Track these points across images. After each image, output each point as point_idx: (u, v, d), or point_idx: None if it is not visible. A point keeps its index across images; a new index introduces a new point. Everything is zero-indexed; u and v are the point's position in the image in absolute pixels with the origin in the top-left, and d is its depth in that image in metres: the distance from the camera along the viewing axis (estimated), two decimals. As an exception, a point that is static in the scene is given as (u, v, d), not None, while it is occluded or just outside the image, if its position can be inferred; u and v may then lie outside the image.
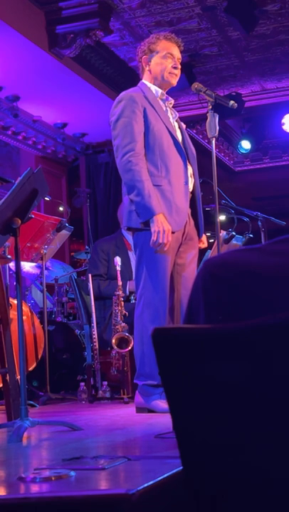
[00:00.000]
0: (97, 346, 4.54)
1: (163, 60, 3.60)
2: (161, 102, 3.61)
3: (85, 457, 1.91)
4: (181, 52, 3.68)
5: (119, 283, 4.47)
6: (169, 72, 3.61)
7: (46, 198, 5.39)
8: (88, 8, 6.13)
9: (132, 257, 4.83)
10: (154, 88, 3.62)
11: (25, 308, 4.81)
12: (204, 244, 3.73)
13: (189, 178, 3.55)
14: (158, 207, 3.36)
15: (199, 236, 3.64)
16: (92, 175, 8.94)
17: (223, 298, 1.26)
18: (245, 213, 5.13)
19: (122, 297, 4.48)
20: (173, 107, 3.76)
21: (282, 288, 1.21)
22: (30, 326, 4.79)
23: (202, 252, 4.03)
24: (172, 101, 3.69)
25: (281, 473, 1.10)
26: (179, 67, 3.66)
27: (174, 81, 3.67)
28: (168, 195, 3.44)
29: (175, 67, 3.63)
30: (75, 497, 1.45)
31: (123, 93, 3.58)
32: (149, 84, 3.63)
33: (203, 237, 3.72)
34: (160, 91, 3.62)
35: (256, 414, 1.12)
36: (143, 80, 3.67)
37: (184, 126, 3.73)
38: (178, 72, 3.65)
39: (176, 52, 3.64)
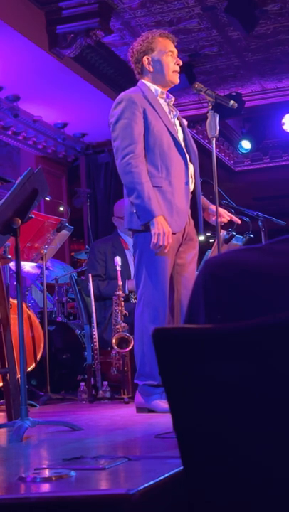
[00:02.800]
0: (97, 346, 4.54)
1: (165, 58, 3.60)
2: (161, 101, 3.60)
3: (85, 457, 1.91)
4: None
5: (120, 283, 4.47)
6: (173, 71, 3.61)
7: (46, 198, 5.39)
8: (88, 8, 6.13)
9: (130, 256, 4.84)
10: (153, 87, 3.61)
11: (23, 308, 4.80)
12: (225, 218, 3.68)
13: (190, 178, 3.55)
14: (158, 209, 3.35)
15: (198, 235, 3.63)
16: (93, 175, 8.94)
17: (224, 298, 1.26)
18: (246, 213, 5.13)
19: (123, 297, 4.48)
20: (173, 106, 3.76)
21: (282, 288, 1.21)
22: (29, 327, 4.79)
23: (202, 251, 4.03)
24: (173, 99, 3.68)
25: (281, 472, 1.10)
26: (181, 63, 3.66)
27: (178, 79, 3.67)
28: (168, 196, 3.43)
29: (178, 64, 3.63)
30: (76, 497, 1.45)
31: (122, 94, 3.57)
32: (148, 84, 3.62)
33: (222, 211, 3.67)
34: (160, 90, 3.61)
35: (256, 414, 1.12)
36: (142, 80, 3.66)
37: (185, 123, 3.72)
38: (178, 69, 3.67)
39: (174, 49, 3.65)
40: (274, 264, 1.24)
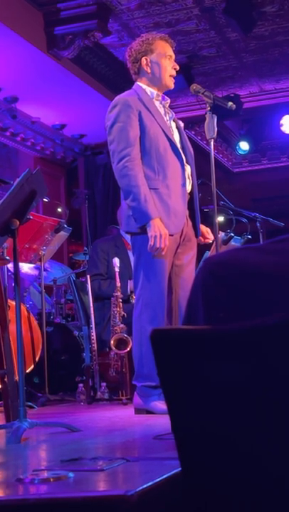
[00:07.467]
0: (95, 347, 4.54)
1: (164, 61, 3.60)
2: (157, 103, 3.60)
3: (83, 458, 1.91)
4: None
5: (118, 284, 4.47)
6: (170, 75, 3.62)
7: (45, 199, 5.39)
8: (87, 10, 6.13)
9: (132, 257, 4.83)
10: (149, 90, 3.61)
11: (21, 309, 4.79)
12: (209, 238, 3.71)
13: (187, 179, 3.55)
14: (154, 211, 3.36)
15: (197, 236, 3.64)
16: (91, 176, 8.93)
17: (223, 296, 1.26)
18: (244, 214, 5.14)
19: (121, 298, 4.48)
20: (172, 108, 3.76)
21: (281, 287, 1.21)
22: (27, 327, 4.78)
23: (201, 252, 4.03)
24: (168, 100, 3.68)
25: (281, 473, 1.10)
26: (178, 68, 3.67)
27: (173, 85, 3.68)
28: (165, 198, 3.44)
29: (174, 69, 3.64)
30: (74, 498, 1.44)
31: (117, 97, 3.58)
32: (144, 86, 3.62)
33: (205, 230, 3.69)
34: (155, 92, 3.62)
35: (256, 415, 1.11)
36: (138, 82, 3.66)
37: (181, 124, 3.73)
38: (175, 73, 3.67)
39: (173, 54, 3.66)
40: (273, 262, 1.24)
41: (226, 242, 4.73)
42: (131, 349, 3.95)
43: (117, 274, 4.49)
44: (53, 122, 8.04)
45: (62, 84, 7.02)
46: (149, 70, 3.61)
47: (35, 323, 4.89)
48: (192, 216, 3.61)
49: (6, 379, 3.07)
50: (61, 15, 6.26)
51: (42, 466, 2.00)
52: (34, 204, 2.84)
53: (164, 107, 3.63)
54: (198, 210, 3.64)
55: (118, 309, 4.45)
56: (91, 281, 4.69)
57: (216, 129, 3.62)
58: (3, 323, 3.14)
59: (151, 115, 3.52)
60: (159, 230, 3.32)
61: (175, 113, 3.80)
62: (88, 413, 3.87)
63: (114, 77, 7.44)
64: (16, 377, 2.96)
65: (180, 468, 1.22)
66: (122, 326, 4.37)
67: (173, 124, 3.65)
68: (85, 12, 6.15)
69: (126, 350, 4.29)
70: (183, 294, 3.51)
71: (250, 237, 5.08)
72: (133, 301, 4.65)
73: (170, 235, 3.40)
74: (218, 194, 3.96)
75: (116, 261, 4.48)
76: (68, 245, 8.89)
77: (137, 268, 3.50)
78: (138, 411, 3.47)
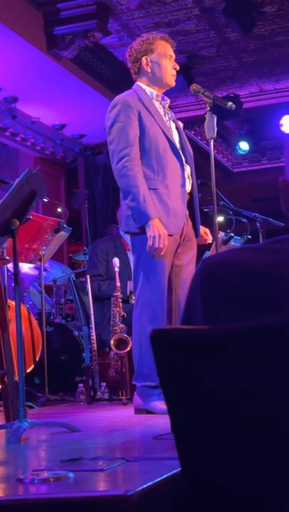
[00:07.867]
0: (95, 347, 4.54)
1: (164, 61, 3.60)
2: (156, 104, 3.60)
3: (83, 458, 1.91)
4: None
5: (118, 284, 4.48)
6: (171, 75, 3.62)
7: (45, 199, 5.39)
8: (86, 10, 6.14)
9: (131, 256, 4.84)
10: (148, 90, 3.61)
11: (22, 309, 4.79)
12: (208, 239, 3.73)
13: (186, 179, 3.55)
14: (153, 211, 3.36)
15: (196, 236, 3.64)
16: (91, 176, 8.94)
17: (221, 296, 1.25)
18: (244, 214, 5.14)
19: (121, 298, 4.48)
20: (171, 108, 3.76)
21: (280, 287, 1.21)
22: (28, 327, 4.78)
23: (201, 253, 4.03)
24: (168, 101, 3.69)
25: (281, 473, 1.10)
26: (178, 68, 3.67)
27: (174, 82, 3.68)
28: (165, 198, 3.44)
29: (175, 69, 3.64)
30: (74, 498, 1.44)
31: (117, 97, 3.58)
32: (144, 87, 3.62)
33: (204, 231, 3.70)
34: (155, 93, 3.62)
35: (256, 416, 1.11)
36: (138, 82, 3.66)
37: (181, 125, 3.73)
38: (175, 73, 3.68)
39: (173, 53, 3.66)
40: (273, 262, 1.23)
41: (225, 242, 4.73)
42: (131, 349, 3.95)
43: (116, 274, 4.49)
44: (52, 122, 8.04)
45: (62, 84, 7.02)
46: (149, 70, 3.61)
47: (35, 323, 4.89)
48: (192, 216, 3.61)
49: (6, 379, 3.07)
50: (61, 15, 6.26)
51: (42, 466, 2.00)
52: (34, 204, 2.84)
53: (163, 107, 3.63)
54: (198, 210, 3.64)
55: (118, 309, 4.45)
56: (91, 282, 4.69)
57: (215, 129, 3.62)
58: (3, 323, 3.14)
59: (151, 115, 3.52)
60: (157, 230, 3.32)
61: (175, 113, 3.80)
62: (88, 413, 3.87)
63: (114, 77, 7.44)
64: (16, 377, 2.96)
65: (180, 468, 1.22)
66: (121, 326, 4.37)
67: (172, 125, 3.65)
68: (85, 12, 6.16)
69: (126, 350, 4.29)
70: (183, 294, 3.51)
71: (250, 237, 5.08)
72: (133, 302, 4.65)
73: (170, 235, 3.40)
74: (218, 194, 3.96)
75: (116, 261, 4.48)
76: (68, 245, 8.90)
77: (136, 268, 3.50)
78: (138, 411, 3.47)
